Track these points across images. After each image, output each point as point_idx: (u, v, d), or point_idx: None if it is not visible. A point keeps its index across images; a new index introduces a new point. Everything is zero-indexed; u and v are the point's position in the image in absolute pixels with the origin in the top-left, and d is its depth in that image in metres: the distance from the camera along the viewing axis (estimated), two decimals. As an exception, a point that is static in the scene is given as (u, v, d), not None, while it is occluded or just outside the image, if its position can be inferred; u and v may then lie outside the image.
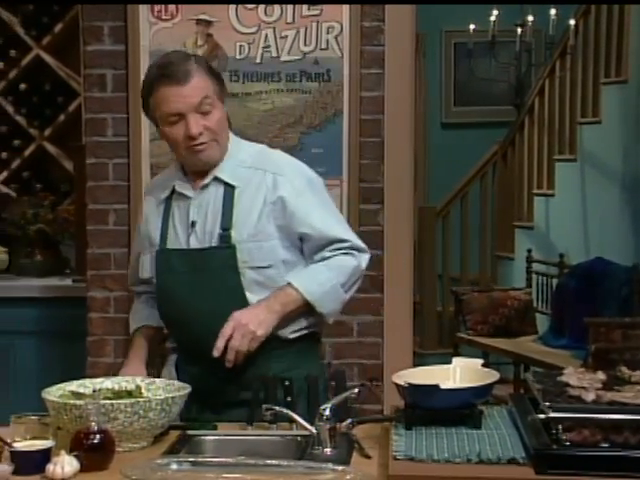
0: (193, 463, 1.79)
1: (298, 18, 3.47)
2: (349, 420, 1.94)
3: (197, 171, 2.34)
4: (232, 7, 3.46)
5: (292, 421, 2.01)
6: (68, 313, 3.83)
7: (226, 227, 2.28)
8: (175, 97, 2.23)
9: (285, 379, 2.14)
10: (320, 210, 2.34)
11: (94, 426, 1.85)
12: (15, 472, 1.78)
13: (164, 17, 3.45)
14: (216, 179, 2.32)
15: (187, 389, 2.07)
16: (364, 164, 3.54)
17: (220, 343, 2.17)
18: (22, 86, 4.30)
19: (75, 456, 1.80)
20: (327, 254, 2.31)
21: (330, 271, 2.29)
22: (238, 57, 3.48)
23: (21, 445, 1.83)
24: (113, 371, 3.37)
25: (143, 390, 2.11)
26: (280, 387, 2.12)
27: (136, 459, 1.86)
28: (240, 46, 3.48)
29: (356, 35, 3.45)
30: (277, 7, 3.47)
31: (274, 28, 3.47)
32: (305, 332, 2.34)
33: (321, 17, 3.47)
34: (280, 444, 2.03)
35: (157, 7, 3.45)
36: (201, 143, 2.26)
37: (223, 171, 2.32)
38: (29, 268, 4.09)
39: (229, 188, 2.31)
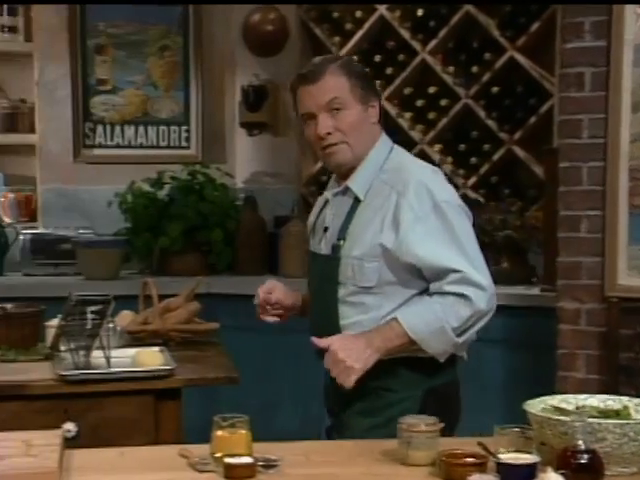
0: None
1: None
2: None
3: (339, 173, 2.40)
4: None
5: None
6: (536, 323, 3.83)
7: (340, 238, 2.34)
8: (306, 96, 2.31)
9: None
10: (436, 238, 2.24)
11: (581, 445, 1.80)
12: (501, 484, 1.80)
13: (652, 8, 3.31)
14: (349, 188, 2.36)
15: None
16: None
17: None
18: (494, 89, 4.39)
19: (562, 474, 1.77)
20: (446, 287, 2.23)
21: (443, 311, 2.23)
22: None
23: (506, 457, 1.84)
24: (584, 387, 3.32)
25: (631, 411, 2.02)
26: None
27: (626, 485, 1.79)
28: None
29: None
30: None
31: None
32: None
33: None
34: None
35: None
36: (330, 145, 2.31)
37: (354, 182, 2.35)
38: (496, 275, 4.12)
39: (357, 199, 2.34)
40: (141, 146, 4.72)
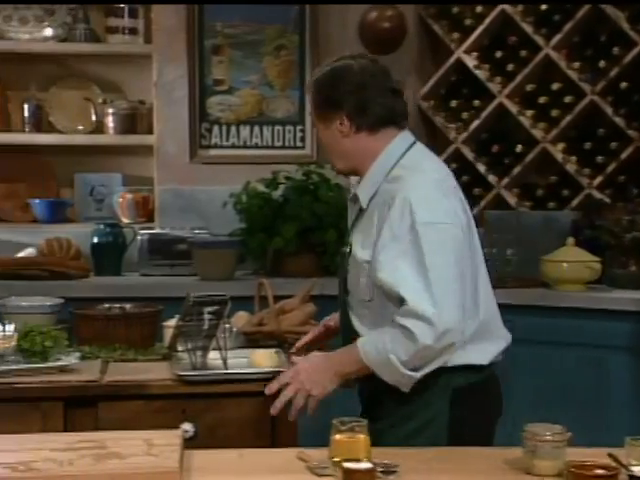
0: None
1: None
2: None
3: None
4: None
5: None
6: (666, 330, 3.72)
7: (345, 244, 2.39)
8: None
9: None
10: (403, 261, 2.16)
11: None
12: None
13: None
14: (357, 195, 2.37)
15: None
16: None
17: (274, 385, 2.30)
18: (622, 85, 4.28)
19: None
20: (396, 318, 2.16)
21: (392, 342, 2.16)
22: None
23: (638, 470, 1.79)
24: None
25: None
26: None
27: None
28: None
29: None
30: None
31: None
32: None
33: None
34: None
35: None
36: None
37: (361, 189, 2.35)
38: (623, 279, 4.06)
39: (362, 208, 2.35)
40: (256, 146, 4.77)
